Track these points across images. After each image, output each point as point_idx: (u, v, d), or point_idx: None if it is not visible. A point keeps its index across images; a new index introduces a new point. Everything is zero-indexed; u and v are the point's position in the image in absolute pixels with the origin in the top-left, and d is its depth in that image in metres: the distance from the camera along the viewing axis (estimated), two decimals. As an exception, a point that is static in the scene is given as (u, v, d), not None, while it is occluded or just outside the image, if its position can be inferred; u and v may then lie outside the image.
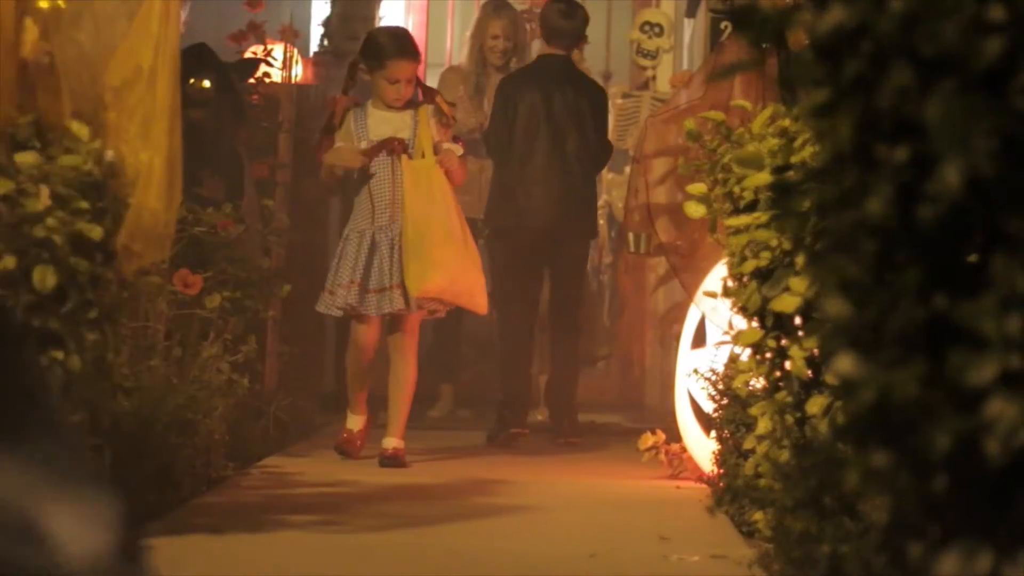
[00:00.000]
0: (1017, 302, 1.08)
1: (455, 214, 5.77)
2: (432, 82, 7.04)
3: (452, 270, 5.68)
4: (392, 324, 5.82)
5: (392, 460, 5.70)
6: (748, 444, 3.85)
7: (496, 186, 6.98)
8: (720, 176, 3.73)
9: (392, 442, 5.75)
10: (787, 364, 3.45)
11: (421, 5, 10.80)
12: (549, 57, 7.12)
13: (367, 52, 5.95)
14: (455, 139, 5.97)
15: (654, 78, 8.84)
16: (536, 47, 8.41)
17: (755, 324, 3.54)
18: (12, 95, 3.82)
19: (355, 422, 5.96)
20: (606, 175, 9.00)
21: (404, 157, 5.79)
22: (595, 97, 7.08)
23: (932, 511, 1.16)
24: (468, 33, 7.95)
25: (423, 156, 5.80)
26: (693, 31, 8.75)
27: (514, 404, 6.86)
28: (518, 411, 6.86)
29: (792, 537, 2.91)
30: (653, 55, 8.85)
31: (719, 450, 4.66)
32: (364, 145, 5.81)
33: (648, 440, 5.65)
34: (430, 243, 5.66)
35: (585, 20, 7.17)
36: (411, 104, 5.90)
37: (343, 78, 6.12)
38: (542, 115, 6.90)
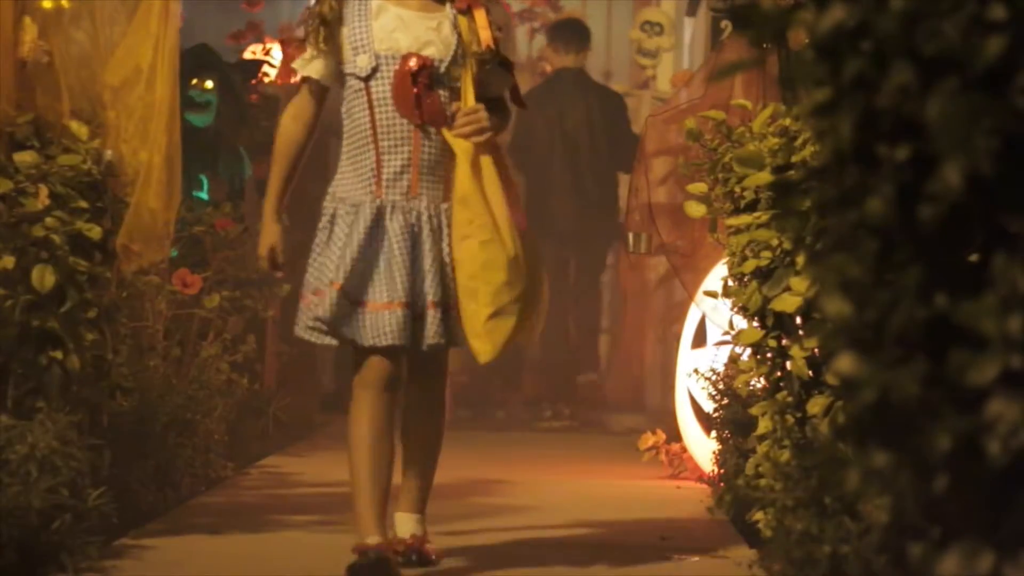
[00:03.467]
0: (1017, 302, 1.08)
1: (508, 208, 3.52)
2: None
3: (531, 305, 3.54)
4: (416, 360, 3.55)
5: (415, 554, 3.63)
6: (748, 444, 3.85)
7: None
8: (720, 175, 3.73)
9: (411, 525, 3.70)
10: (787, 364, 3.44)
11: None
12: (563, 71, 7.77)
13: None
14: (502, 63, 3.57)
15: (654, 77, 8.85)
16: (531, 47, 8.64)
17: (755, 324, 3.54)
18: (11, 94, 3.82)
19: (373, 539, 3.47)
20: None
21: (437, 97, 3.48)
22: (607, 105, 7.66)
23: (932, 511, 1.15)
24: None
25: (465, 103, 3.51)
26: (693, 30, 8.75)
27: (547, 399, 7.48)
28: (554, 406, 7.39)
29: (792, 537, 2.91)
30: (653, 54, 8.86)
31: (719, 450, 4.66)
32: (363, 59, 3.46)
33: (648, 440, 5.65)
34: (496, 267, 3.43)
35: (587, 30, 7.87)
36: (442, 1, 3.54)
37: None
38: (557, 130, 7.65)
